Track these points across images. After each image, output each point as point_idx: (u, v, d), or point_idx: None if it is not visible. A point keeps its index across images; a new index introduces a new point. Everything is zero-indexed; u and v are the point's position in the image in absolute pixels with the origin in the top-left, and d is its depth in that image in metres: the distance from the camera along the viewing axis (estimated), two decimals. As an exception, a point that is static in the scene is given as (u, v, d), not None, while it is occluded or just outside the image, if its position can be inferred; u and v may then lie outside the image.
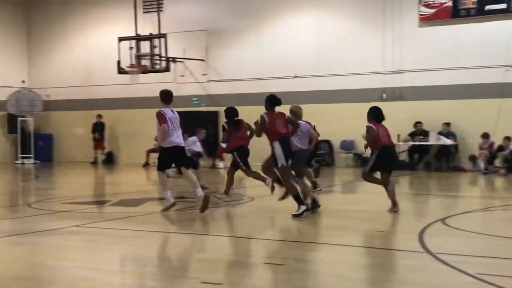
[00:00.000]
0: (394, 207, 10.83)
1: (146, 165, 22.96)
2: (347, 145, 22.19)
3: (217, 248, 8.22)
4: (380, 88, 21.63)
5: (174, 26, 23.47)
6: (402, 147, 20.98)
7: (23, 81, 26.77)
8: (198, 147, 15.00)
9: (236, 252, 8.05)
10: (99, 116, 24.85)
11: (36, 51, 27.12)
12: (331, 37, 22.26)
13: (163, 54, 22.25)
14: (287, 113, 11.41)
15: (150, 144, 23.47)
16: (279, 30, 23.07)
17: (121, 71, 22.56)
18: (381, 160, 10.89)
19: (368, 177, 11.14)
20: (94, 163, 24.47)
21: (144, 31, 22.75)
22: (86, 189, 16.24)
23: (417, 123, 20.78)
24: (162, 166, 11.07)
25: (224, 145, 22.03)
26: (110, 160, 25.08)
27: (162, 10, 23.59)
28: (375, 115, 11.16)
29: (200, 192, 10.79)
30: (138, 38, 22.46)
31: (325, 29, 22.35)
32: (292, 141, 10.88)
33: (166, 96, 11.27)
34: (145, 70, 22.32)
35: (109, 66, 23.35)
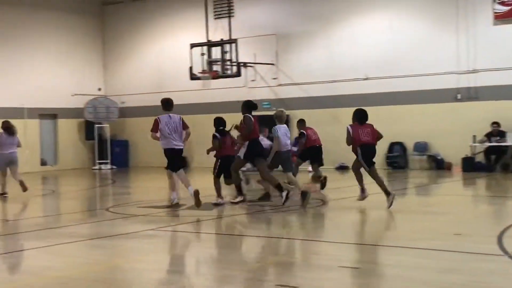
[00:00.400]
0: (388, 198, 11.52)
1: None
2: (421, 147, 21.79)
3: (292, 251, 8.23)
4: (454, 88, 21.17)
5: (244, 31, 23.65)
6: (478, 148, 20.46)
7: (99, 89, 27.52)
8: (265, 143, 15.62)
9: (311, 255, 8.03)
10: (172, 121, 25.28)
11: (111, 60, 27.84)
12: (403, 38, 21.94)
13: (234, 59, 22.44)
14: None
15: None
16: (349, 32, 22.91)
17: (193, 77, 22.87)
18: (362, 157, 11.89)
19: (355, 170, 12.21)
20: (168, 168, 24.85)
21: (215, 37, 23.02)
22: (161, 193, 16.49)
23: (494, 123, 20.22)
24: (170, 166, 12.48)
25: (294, 149, 22.05)
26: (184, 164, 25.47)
27: (233, 16, 23.81)
28: (358, 117, 12.42)
29: (191, 190, 11.90)
30: (210, 44, 22.73)
31: (397, 29, 22.06)
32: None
33: (166, 104, 12.54)
34: (216, 76, 22.56)
35: (181, 72, 23.72)
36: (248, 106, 12.32)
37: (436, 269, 6.90)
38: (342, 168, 22.34)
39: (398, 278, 6.60)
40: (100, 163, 25.89)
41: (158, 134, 12.13)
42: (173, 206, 12.28)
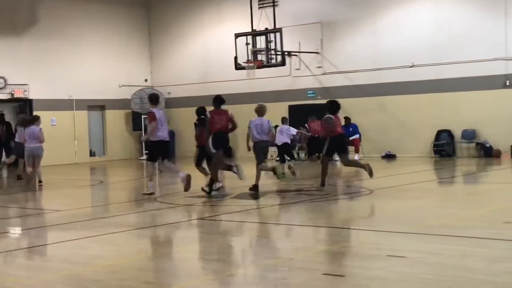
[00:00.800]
0: (369, 173, 12.76)
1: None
2: (469, 135, 21.45)
3: (338, 240, 8.22)
4: (503, 75, 20.75)
5: (289, 20, 23.58)
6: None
7: (145, 80, 27.83)
8: (292, 132, 17.08)
9: (358, 244, 8.00)
10: (218, 111, 25.41)
11: (157, 51, 28.10)
12: (449, 24, 21.57)
13: (279, 48, 22.40)
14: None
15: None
16: (395, 19, 22.63)
17: (238, 66, 22.92)
18: (334, 145, 13.03)
19: (324, 160, 13.21)
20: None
21: (260, 26, 23.01)
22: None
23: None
24: (152, 158, 13.31)
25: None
26: (229, 154, 25.58)
27: (277, 5, 23.74)
28: (334, 108, 13.35)
29: (182, 175, 12.74)
30: (254, 34, 22.73)
31: (443, 16, 21.69)
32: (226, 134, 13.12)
33: (155, 99, 13.27)
34: (261, 65, 22.55)
35: (227, 62, 23.80)
36: (216, 101, 13.14)
37: (485, 258, 6.81)
38: (388, 157, 22.15)
39: (445, 266, 6.53)
40: (146, 154, 26.17)
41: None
42: (150, 195, 13.07)
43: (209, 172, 13.73)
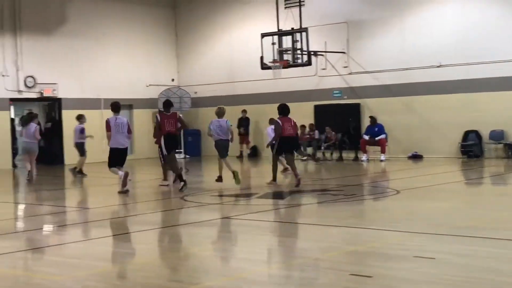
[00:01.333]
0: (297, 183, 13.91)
1: (289, 158, 23.25)
2: (497, 135, 21.24)
3: (366, 241, 8.22)
4: (532, 75, 20.53)
5: (315, 20, 23.56)
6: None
7: (172, 80, 27.99)
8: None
9: (385, 244, 8.00)
10: (244, 111, 25.47)
11: (183, 51, 28.25)
12: (477, 23, 21.37)
13: (305, 48, 22.39)
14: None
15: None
16: (422, 18, 22.48)
17: (264, 66, 22.95)
18: (284, 146, 14.38)
19: (274, 160, 14.73)
20: (240, 157, 25.11)
21: (286, 26, 23.02)
22: (233, 182, 16.70)
23: None
24: (111, 164, 14.06)
25: (366, 137, 21.91)
26: (254, 154, 25.65)
27: (303, 5, 23.72)
28: (281, 110, 14.68)
29: (121, 173, 13.79)
30: (280, 33, 22.75)
31: (471, 15, 21.51)
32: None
33: (114, 107, 14.23)
34: (287, 65, 22.56)
35: (253, 62, 23.84)
36: (165, 105, 14.54)
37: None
38: (415, 157, 22.04)
39: (473, 268, 6.52)
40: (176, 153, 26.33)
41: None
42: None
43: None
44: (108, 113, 22.68)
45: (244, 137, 25.31)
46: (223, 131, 15.01)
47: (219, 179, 14.92)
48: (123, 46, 26.27)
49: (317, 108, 24.18)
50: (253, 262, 7.29)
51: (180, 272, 6.95)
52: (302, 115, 24.36)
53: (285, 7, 24.15)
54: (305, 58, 22.41)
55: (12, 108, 23.72)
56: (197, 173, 20.31)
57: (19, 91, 23.37)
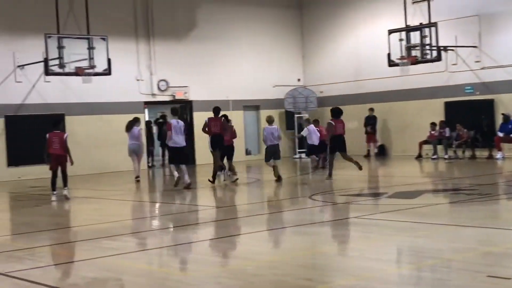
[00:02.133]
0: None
1: (419, 157, 22.74)
2: None
3: (502, 241, 7.91)
4: None
5: (444, 14, 22.88)
6: None
7: (298, 80, 28.15)
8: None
9: (522, 246, 7.66)
10: (371, 109, 25.17)
11: (309, 50, 28.33)
12: None
13: (434, 43, 21.80)
14: None
15: (423, 136, 23.23)
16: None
17: (391, 63, 22.56)
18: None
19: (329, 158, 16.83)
20: (367, 156, 24.85)
21: (414, 21, 22.52)
22: (361, 181, 16.58)
23: None
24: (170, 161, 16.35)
25: (501, 134, 21.00)
26: (382, 153, 25.28)
27: (432, -1, 23.12)
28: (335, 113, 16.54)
29: (176, 174, 15.79)
30: (408, 29, 22.27)
31: None
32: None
33: (174, 111, 16.30)
34: (415, 61, 22.06)
35: (379, 59, 23.51)
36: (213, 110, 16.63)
37: None
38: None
39: None
40: (300, 152, 26.50)
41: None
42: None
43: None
44: (236, 114, 23.22)
45: (371, 135, 25.01)
46: (274, 137, 16.74)
47: (279, 179, 16.41)
48: (250, 48, 26.73)
49: (447, 105, 23.46)
50: (383, 262, 7.21)
51: (311, 270, 7.00)
52: (431, 112, 23.75)
53: (413, 2, 23.61)
54: (434, 53, 21.81)
55: (146, 111, 24.80)
56: (324, 172, 20.28)
57: (153, 95, 24.38)
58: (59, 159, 14.43)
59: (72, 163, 14.55)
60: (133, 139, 18.39)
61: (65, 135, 14.65)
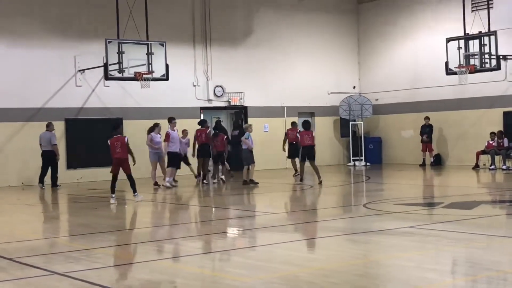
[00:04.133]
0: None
1: (476, 167, 22.33)
2: None
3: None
4: None
5: (504, 22, 22.45)
6: None
7: (353, 87, 28.01)
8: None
9: None
10: (427, 118, 24.85)
11: (365, 58, 28.15)
12: None
13: (493, 52, 21.40)
14: None
15: (480, 146, 22.80)
16: None
17: (449, 72, 22.26)
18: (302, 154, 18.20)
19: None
20: (423, 165, 24.54)
21: (472, 29, 22.17)
22: (416, 191, 16.39)
23: None
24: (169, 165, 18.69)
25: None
26: (438, 162, 24.91)
27: (492, 7, 22.70)
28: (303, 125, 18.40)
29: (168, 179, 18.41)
30: (467, 38, 21.93)
31: None
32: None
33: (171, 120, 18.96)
34: (473, 70, 21.71)
35: (437, 67, 23.21)
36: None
37: None
38: None
39: None
40: (354, 160, 26.36)
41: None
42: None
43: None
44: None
45: (427, 145, 24.69)
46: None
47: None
48: (306, 55, 26.72)
49: (506, 115, 22.99)
50: (440, 272, 7.13)
51: (365, 279, 6.96)
52: (490, 122, 23.31)
53: (472, 10, 23.24)
54: (494, 62, 21.41)
55: (202, 116, 25.04)
56: (378, 181, 20.13)
57: (209, 100, 24.62)
58: (121, 163, 14.73)
59: (134, 162, 14.92)
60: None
61: (126, 138, 14.92)
